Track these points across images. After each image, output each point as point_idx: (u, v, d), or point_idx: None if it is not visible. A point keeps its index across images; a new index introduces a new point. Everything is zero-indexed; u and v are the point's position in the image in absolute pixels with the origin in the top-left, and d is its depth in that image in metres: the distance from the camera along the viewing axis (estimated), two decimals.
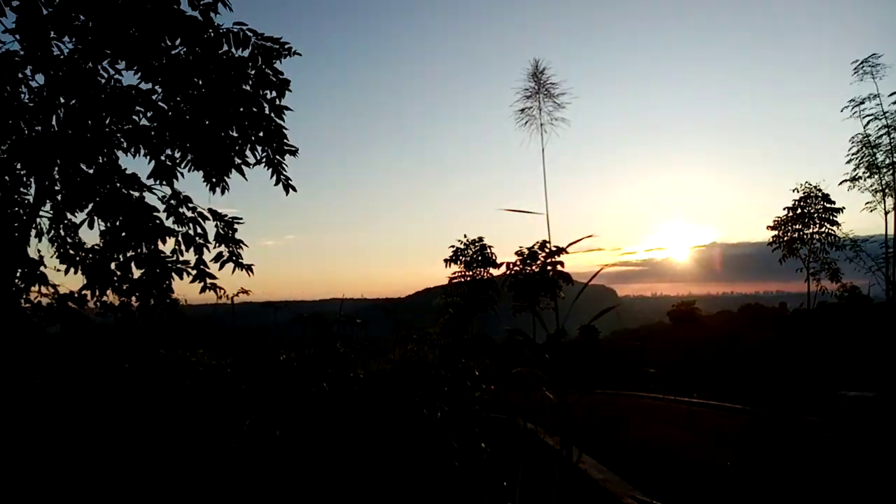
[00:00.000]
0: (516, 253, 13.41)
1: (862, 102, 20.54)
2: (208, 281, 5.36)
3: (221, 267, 5.45)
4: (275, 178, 5.49)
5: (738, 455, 11.02)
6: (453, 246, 19.18)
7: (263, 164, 5.46)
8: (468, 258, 18.08)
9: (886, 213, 20.37)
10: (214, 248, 5.44)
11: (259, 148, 5.44)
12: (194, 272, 5.33)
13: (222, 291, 5.63)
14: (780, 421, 16.12)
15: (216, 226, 5.42)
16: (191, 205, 5.29)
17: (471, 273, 17.38)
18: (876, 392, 16.95)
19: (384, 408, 6.72)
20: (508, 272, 13.69)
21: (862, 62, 20.24)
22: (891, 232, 20.34)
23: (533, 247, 13.27)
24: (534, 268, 12.97)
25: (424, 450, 6.01)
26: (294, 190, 5.51)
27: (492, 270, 18.08)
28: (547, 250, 11.60)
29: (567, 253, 9.28)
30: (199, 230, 5.32)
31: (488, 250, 19.13)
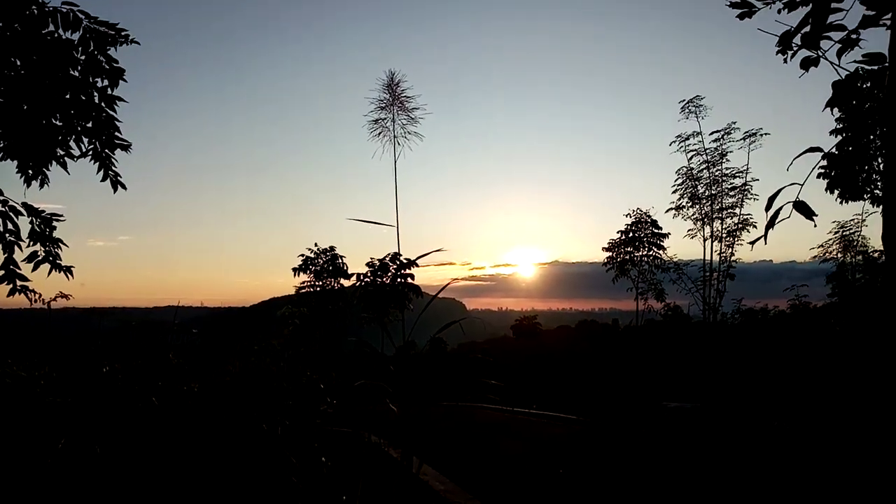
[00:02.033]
0: (367, 264, 13.36)
1: (687, 139, 22.71)
2: (18, 283, 4.81)
3: (36, 268, 4.93)
4: (102, 172, 5.04)
5: (571, 462, 11.61)
6: (303, 255, 18.67)
7: (90, 158, 5.00)
8: (319, 268, 17.68)
9: (705, 239, 22.62)
10: (28, 246, 4.90)
11: (86, 139, 4.98)
12: (2, 272, 4.76)
13: (36, 295, 5.09)
14: (611, 430, 17.22)
15: (31, 222, 4.89)
16: (0, 197, 4.73)
17: (321, 283, 17.02)
18: (693, 403, 18.60)
19: (221, 423, 6.37)
20: (359, 283, 13.56)
21: (688, 102, 22.38)
22: (708, 257, 22.58)
23: (384, 258, 13.29)
24: (384, 279, 12.96)
25: (262, 467, 5.75)
26: (123, 187, 5.09)
27: (343, 281, 17.82)
28: (398, 262, 11.63)
29: (417, 266, 9.35)
30: (9, 226, 4.77)
31: (340, 260, 18.81)
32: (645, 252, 24.18)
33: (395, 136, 5.86)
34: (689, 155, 22.67)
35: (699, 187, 22.55)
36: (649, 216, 24.23)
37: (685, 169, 22.86)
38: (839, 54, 2.88)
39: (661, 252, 24.03)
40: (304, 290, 16.89)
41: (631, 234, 24.28)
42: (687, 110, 22.33)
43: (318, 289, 16.44)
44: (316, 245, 18.46)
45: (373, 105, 5.94)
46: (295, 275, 17.76)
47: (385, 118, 5.92)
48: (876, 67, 2.76)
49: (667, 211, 23.56)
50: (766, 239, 2.80)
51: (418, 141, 6.03)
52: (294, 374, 7.59)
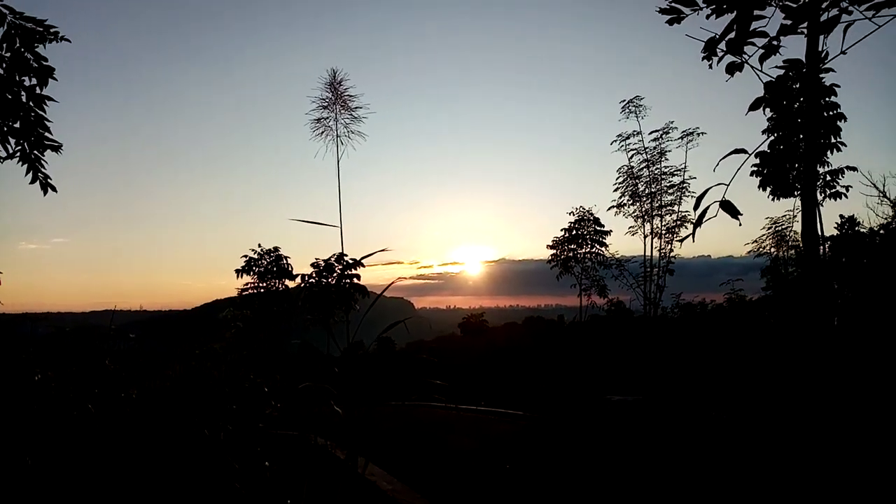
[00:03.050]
0: (312, 265, 13.19)
1: (627, 138, 23.27)
2: None
3: None
4: (31, 175, 4.86)
5: (518, 458, 11.76)
6: (246, 256, 18.29)
7: (18, 160, 4.81)
8: (262, 269, 17.38)
9: (645, 236, 23.23)
10: None
11: (13, 140, 4.79)
12: None
13: None
14: (557, 425, 17.50)
15: None
16: None
17: (265, 284, 16.73)
18: (635, 396, 19.07)
19: (160, 430, 6.21)
20: (304, 284, 13.38)
21: (628, 102, 22.93)
22: (648, 253, 23.19)
23: (329, 259, 13.20)
24: (330, 280, 12.85)
25: (204, 473, 5.64)
26: (53, 189, 4.92)
27: (287, 282, 17.56)
28: (343, 263, 11.53)
29: (363, 266, 9.31)
30: None
31: (284, 261, 18.51)
32: (588, 249, 24.66)
33: (337, 136, 5.83)
34: (630, 154, 23.25)
35: (639, 185, 23.14)
36: (592, 214, 24.73)
37: (626, 167, 23.42)
38: (762, 60, 3.00)
39: (603, 249, 24.56)
40: (247, 292, 16.57)
41: (574, 232, 24.72)
42: (627, 110, 22.88)
43: (262, 290, 16.16)
44: (260, 246, 18.12)
45: (315, 104, 5.89)
46: (238, 276, 17.39)
47: (328, 117, 5.88)
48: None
49: (609, 209, 24.11)
50: (693, 237, 2.91)
51: (362, 140, 6.02)
52: (237, 377, 7.46)
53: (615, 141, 23.42)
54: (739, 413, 15.32)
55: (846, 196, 19.23)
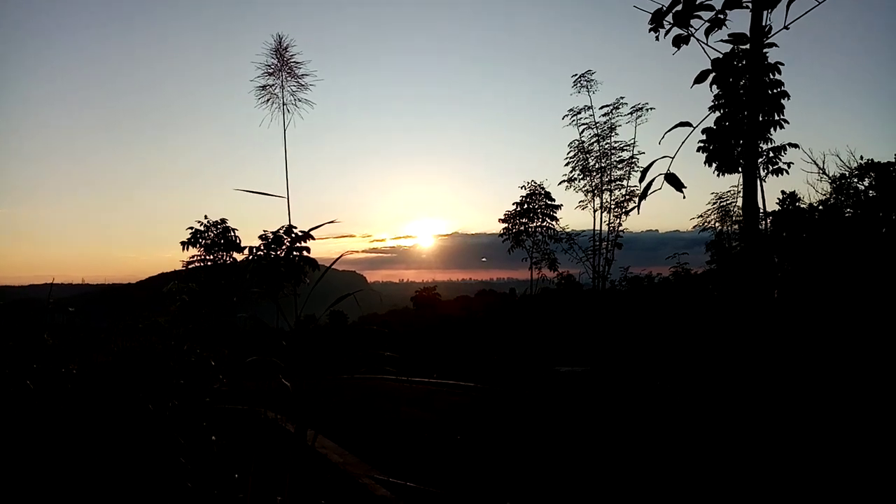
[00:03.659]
0: (260, 237, 12.94)
1: (579, 112, 23.43)
2: None
3: None
4: None
5: (469, 429, 11.92)
6: (192, 227, 17.83)
7: None
8: (209, 241, 16.99)
9: (595, 211, 23.56)
10: None
11: None
12: None
13: None
14: (508, 396, 17.77)
15: None
16: None
17: (211, 257, 16.38)
18: (584, 367, 19.50)
19: (103, 406, 6.06)
20: (252, 257, 13.13)
21: (580, 76, 23.03)
22: (598, 227, 23.56)
23: (278, 231, 12.96)
24: (279, 253, 12.64)
25: (148, 449, 5.54)
26: None
27: (235, 255, 17.23)
28: (293, 235, 11.33)
29: (313, 238, 9.16)
30: None
31: (232, 233, 18.13)
32: (539, 223, 24.90)
33: (284, 104, 5.68)
34: (581, 128, 23.44)
35: (590, 160, 23.40)
36: (543, 188, 24.93)
37: (577, 142, 23.63)
38: (707, 33, 3.04)
39: (554, 223, 24.83)
40: (193, 265, 16.19)
41: (526, 206, 24.89)
42: (579, 84, 22.99)
43: (209, 263, 15.81)
44: (206, 217, 17.69)
45: (260, 70, 5.71)
46: (184, 249, 16.95)
47: (273, 84, 5.71)
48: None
49: (559, 183, 24.35)
50: (639, 209, 2.94)
51: (310, 109, 5.88)
52: (183, 352, 7.32)
53: (567, 115, 23.58)
54: (683, 382, 15.82)
55: (788, 172, 19.85)
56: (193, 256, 17.19)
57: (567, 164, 23.99)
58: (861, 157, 22.34)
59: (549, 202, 24.79)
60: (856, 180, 22.27)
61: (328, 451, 9.44)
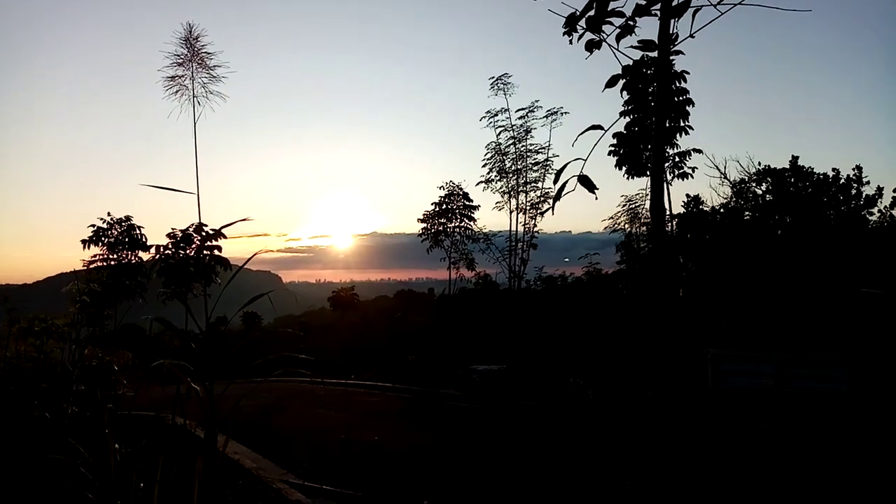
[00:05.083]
0: (168, 235, 12.32)
1: (496, 115, 23.75)
2: None
3: None
4: None
5: (388, 429, 11.86)
6: (94, 225, 16.85)
7: None
8: (112, 239, 16.12)
9: (511, 212, 23.96)
10: None
11: None
12: None
13: None
14: (425, 396, 17.80)
15: None
16: None
17: (115, 256, 15.53)
18: (500, 365, 19.79)
19: None
20: (159, 256, 12.49)
21: (497, 79, 23.33)
22: (514, 228, 23.97)
23: (188, 229, 12.36)
24: (188, 252, 12.08)
25: (44, 460, 5.20)
26: None
27: (141, 254, 16.41)
28: (203, 233, 10.85)
29: (224, 237, 8.87)
30: None
31: (137, 231, 17.24)
32: (457, 223, 25.05)
33: (194, 96, 5.45)
34: (498, 130, 23.77)
35: (507, 162, 23.76)
36: (461, 189, 25.11)
37: (494, 144, 23.95)
38: (618, 39, 3.14)
39: (471, 223, 25.05)
40: (95, 265, 15.31)
41: (444, 206, 25.00)
42: (496, 87, 23.30)
43: (113, 262, 14.99)
44: (109, 214, 16.77)
45: (169, 60, 5.46)
46: (85, 247, 15.96)
47: (183, 75, 5.48)
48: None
49: (477, 184, 24.60)
50: (553, 210, 3.00)
51: (222, 102, 5.68)
52: (83, 356, 6.93)
53: (484, 117, 23.86)
54: (594, 378, 16.31)
55: (692, 176, 20.88)
56: (95, 255, 16.24)
57: (485, 166, 24.29)
58: (759, 164, 23.76)
59: (468, 203, 25.01)
60: (754, 185, 23.65)
61: (241, 457, 9.16)
